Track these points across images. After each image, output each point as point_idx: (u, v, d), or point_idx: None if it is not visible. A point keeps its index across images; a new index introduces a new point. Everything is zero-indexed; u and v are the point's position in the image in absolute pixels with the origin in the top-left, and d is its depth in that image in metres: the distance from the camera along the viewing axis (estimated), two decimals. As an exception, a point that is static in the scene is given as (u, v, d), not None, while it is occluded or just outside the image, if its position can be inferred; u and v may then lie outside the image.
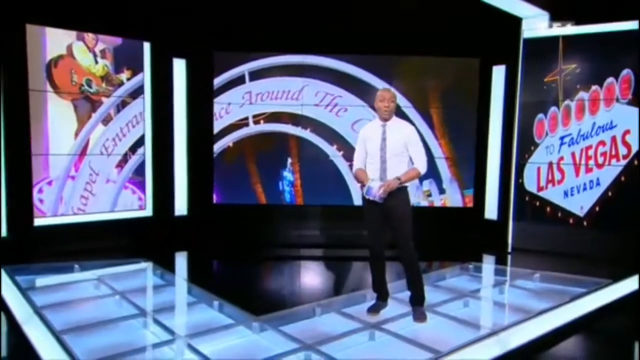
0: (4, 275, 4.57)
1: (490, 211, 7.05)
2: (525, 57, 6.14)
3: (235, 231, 6.82)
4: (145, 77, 6.38)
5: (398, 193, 3.59)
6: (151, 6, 6.04)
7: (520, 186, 6.29)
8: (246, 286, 5.30)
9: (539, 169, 6.19)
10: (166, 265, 5.25)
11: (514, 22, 6.32)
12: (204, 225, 6.88)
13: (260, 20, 6.53)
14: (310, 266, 5.86)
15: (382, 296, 3.83)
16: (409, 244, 3.65)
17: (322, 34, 6.68)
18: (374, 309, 3.77)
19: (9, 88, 5.35)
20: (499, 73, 6.90)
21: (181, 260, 6.07)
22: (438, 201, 7.18)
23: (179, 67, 6.75)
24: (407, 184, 3.68)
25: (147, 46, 6.35)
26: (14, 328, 3.60)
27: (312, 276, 5.63)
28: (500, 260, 6.00)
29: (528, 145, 6.24)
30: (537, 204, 6.19)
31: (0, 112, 5.29)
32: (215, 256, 6.31)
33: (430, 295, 4.34)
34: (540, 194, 6.17)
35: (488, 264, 5.78)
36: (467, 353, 3.10)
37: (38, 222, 5.70)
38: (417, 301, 3.70)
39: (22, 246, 5.46)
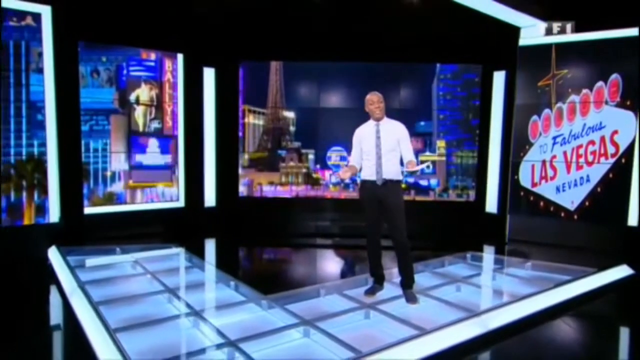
0: (57, 254, 4.85)
1: (491, 205, 6.99)
2: (521, 63, 6.05)
3: (258, 221, 6.96)
4: (178, 84, 6.57)
5: (393, 186, 3.64)
6: (183, 21, 6.22)
7: (515, 182, 6.21)
8: (263, 269, 5.45)
9: (533, 166, 6.09)
10: (195, 250, 5.42)
11: (513, 31, 6.25)
12: (230, 216, 7.04)
13: (280, 31, 6.63)
14: (321, 253, 5.95)
15: (378, 280, 3.88)
16: (402, 233, 3.68)
17: (330, 43, 6.73)
18: (370, 291, 3.82)
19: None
20: (499, 78, 6.82)
21: (208, 246, 6.25)
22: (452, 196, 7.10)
23: (209, 75, 6.93)
24: (401, 178, 3.75)
25: (180, 57, 6.54)
26: (63, 299, 3.84)
27: (322, 262, 5.72)
28: (497, 251, 5.95)
29: (523, 145, 6.16)
30: (532, 198, 6.10)
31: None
32: (238, 243, 6.45)
33: (427, 280, 4.41)
34: (535, 189, 6.08)
35: (485, 253, 5.74)
36: (450, 331, 3.12)
37: (87, 210, 5.97)
38: (407, 285, 3.74)
39: (73, 230, 5.71)
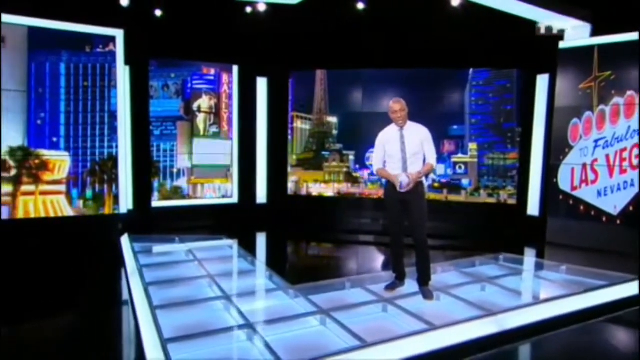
0: (127, 241, 5.30)
1: (532, 208, 6.57)
2: (562, 65, 5.62)
3: (304, 217, 7.08)
4: (234, 92, 6.88)
5: (416, 187, 3.58)
6: (239, 37, 6.49)
7: (554, 185, 5.78)
8: (301, 262, 5.56)
9: (573, 169, 5.63)
10: (244, 242, 5.65)
11: (557, 34, 5.83)
12: (279, 211, 7.23)
13: (326, 41, 6.70)
14: (358, 249, 5.95)
15: (400, 276, 3.82)
16: (423, 232, 3.61)
17: (383, 51, 6.68)
18: (390, 287, 3.77)
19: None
20: (542, 81, 6.40)
21: (256, 239, 6.47)
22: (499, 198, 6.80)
23: (262, 84, 7.18)
24: (423, 179, 3.67)
25: (235, 69, 6.84)
26: (126, 279, 4.20)
27: (357, 257, 5.71)
28: (533, 253, 5.59)
29: (563, 148, 5.72)
30: (571, 202, 5.64)
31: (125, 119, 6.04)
32: (284, 237, 6.61)
33: (452, 278, 4.27)
34: (574, 193, 5.62)
35: (519, 255, 5.42)
36: (460, 329, 3.02)
37: (155, 203, 6.44)
38: (424, 282, 3.66)
39: (142, 221, 6.21)
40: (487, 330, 3.05)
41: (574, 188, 5.63)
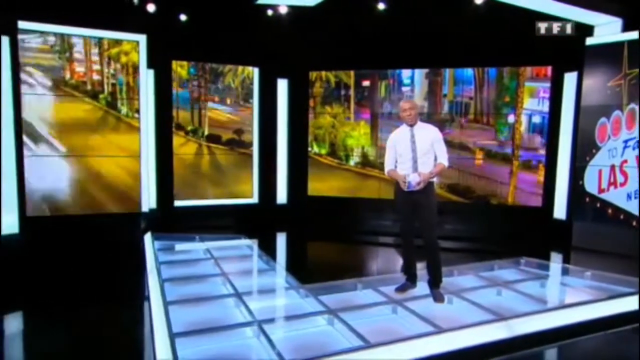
0: (149, 239, 5.49)
1: (559, 211, 6.36)
2: (589, 63, 5.41)
3: (325, 218, 7.10)
4: (254, 94, 7.00)
5: (427, 187, 3.56)
6: (259, 38, 6.59)
7: (580, 188, 5.58)
8: (318, 261, 5.60)
9: (600, 171, 5.42)
10: (263, 242, 5.73)
11: (586, 30, 5.63)
12: (299, 212, 7.29)
13: (346, 41, 6.71)
14: (378, 250, 5.93)
15: (411, 278, 3.81)
16: (434, 233, 3.59)
17: (413, 50, 6.65)
18: (401, 289, 3.76)
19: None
20: (570, 79, 6.19)
21: (275, 239, 6.55)
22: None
23: (282, 85, 7.27)
24: (434, 180, 3.65)
25: (256, 70, 6.96)
26: (144, 275, 4.37)
27: (375, 258, 5.70)
28: (557, 258, 5.41)
29: (590, 149, 5.51)
30: (598, 205, 5.43)
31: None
32: (303, 237, 6.67)
33: (467, 282, 4.20)
34: (602, 195, 5.40)
35: (542, 260, 5.25)
36: (467, 333, 2.98)
37: (177, 203, 6.64)
38: (434, 284, 3.62)
39: (165, 219, 6.41)
40: (496, 335, 3.00)
41: (601, 190, 5.41)
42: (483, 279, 4.30)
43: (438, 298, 3.56)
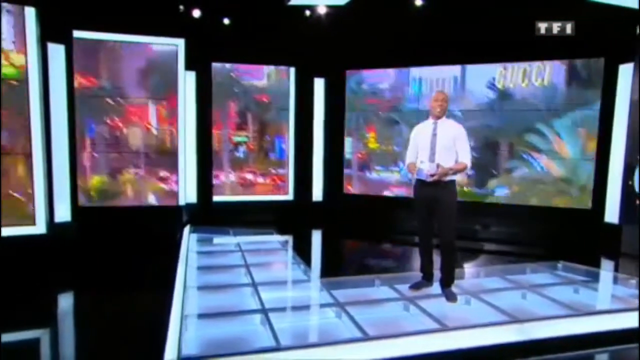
0: (187, 231, 5.88)
1: (611, 214, 5.91)
2: (640, 53, 5.00)
3: (361, 216, 7.12)
4: (290, 93, 7.20)
5: (447, 185, 3.51)
6: (295, 38, 6.77)
7: (630, 188, 5.16)
8: (344, 258, 5.66)
9: (652, 171, 4.99)
10: (296, 239, 5.88)
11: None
12: (335, 209, 7.35)
13: (382, 39, 6.69)
14: (412, 250, 5.85)
15: (427, 276, 3.78)
16: (452, 233, 3.55)
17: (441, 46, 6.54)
18: (415, 286, 3.75)
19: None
20: (625, 72, 5.74)
21: (308, 236, 6.64)
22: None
23: (319, 84, 7.40)
24: (455, 178, 3.58)
25: (292, 70, 7.16)
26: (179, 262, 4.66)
27: (405, 257, 5.65)
28: (604, 264, 5.06)
29: (641, 146, 5.08)
30: (650, 208, 5.01)
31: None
32: (337, 235, 6.71)
33: (491, 283, 4.11)
34: (654, 197, 4.97)
35: (581, 264, 4.94)
36: (473, 333, 2.94)
37: (216, 198, 7.00)
38: (446, 283, 3.58)
39: (204, 214, 6.77)
40: (501, 339, 2.92)
41: (653, 192, 4.99)
42: (509, 282, 4.17)
43: (450, 297, 3.51)
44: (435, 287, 3.75)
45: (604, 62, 5.93)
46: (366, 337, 2.81)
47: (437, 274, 3.79)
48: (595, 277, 4.45)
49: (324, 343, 2.78)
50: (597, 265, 5.07)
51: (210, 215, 6.80)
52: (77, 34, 5.38)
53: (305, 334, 3.00)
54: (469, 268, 4.83)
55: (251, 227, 6.42)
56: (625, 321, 3.18)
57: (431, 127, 3.57)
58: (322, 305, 3.42)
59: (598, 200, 6.01)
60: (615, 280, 4.24)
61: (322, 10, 6.36)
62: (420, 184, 3.57)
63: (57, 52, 5.08)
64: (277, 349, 2.63)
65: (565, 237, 5.95)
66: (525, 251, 5.71)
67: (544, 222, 6.24)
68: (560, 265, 4.69)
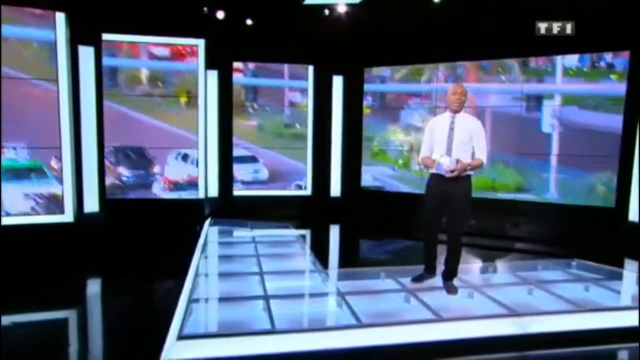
0: (208, 223, 6.13)
1: (635, 213, 5.70)
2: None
3: (379, 212, 7.15)
4: (309, 90, 7.33)
5: (464, 180, 3.48)
6: (314, 37, 6.88)
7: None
8: (357, 252, 5.74)
9: (675, 167, 4.78)
10: (314, 233, 6.00)
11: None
12: (353, 205, 7.43)
13: (401, 36, 6.69)
14: (416, 245, 5.86)
15: (429, 269, 3.79)
16: (461, 229, 3.56)
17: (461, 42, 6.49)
18: (417, 279, 3.78)
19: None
20: (652, 64, 5.52)
21: (327, 231, 6.75)
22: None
23: (337, 81, 7.49)
24: (472, 174, 3.57)
25: (310, 68, 7.28)
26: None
27: (418, 252, 5.65)
28: (627, 265, 4.89)
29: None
30: (673, 206, 4.79)
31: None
32: (353, 230, 6.76)
33: (498, 278, 4.11)
34: (677, 195, 4.76)
35: (597, 263, 4.80)
36: (466, 325, 2.98)
37: (236, 192, 7.22)
38: (448, 275, 3.61)
39: (226, 207, 7.00)
40: (499, 331, 2.94)
41: (676, 189, 4.78)
42: (518, 278, 4.13)
43: (451, 290, 3.54)
44: (438, 280, 3.79)
45: (630, 55, 5.71)
46: (359, 325, 2.90)
47: (440, 268, 3.80)
48: (609, 276, 4.33)
49: (318, 328, 2.89)
50: (619, 264, 4.92)
51: (231, 209, 7.04)
52: (105, 36, 5.72)
53: (302, 320, 3.12)
54: (480, 264, 4.81)
55: (269, 221, 6.59)
56: (626, 320, 3.10)
57: (449, 121, 3.52)
58: (324, 294, 3.53)
59: (621, 199, 5.82)
60: (630, 279, 4.11)
61: (341, 9, 6.45)
62: (437, 177, 3.51)
63: (87, 53, 5.43)
64: (272, 332, 2.77)
65: (587, 235, 5.79)
66: (544, 250, 5.61)
67: (565, 221, 6.10)
68: (574, 263, 4.60)
